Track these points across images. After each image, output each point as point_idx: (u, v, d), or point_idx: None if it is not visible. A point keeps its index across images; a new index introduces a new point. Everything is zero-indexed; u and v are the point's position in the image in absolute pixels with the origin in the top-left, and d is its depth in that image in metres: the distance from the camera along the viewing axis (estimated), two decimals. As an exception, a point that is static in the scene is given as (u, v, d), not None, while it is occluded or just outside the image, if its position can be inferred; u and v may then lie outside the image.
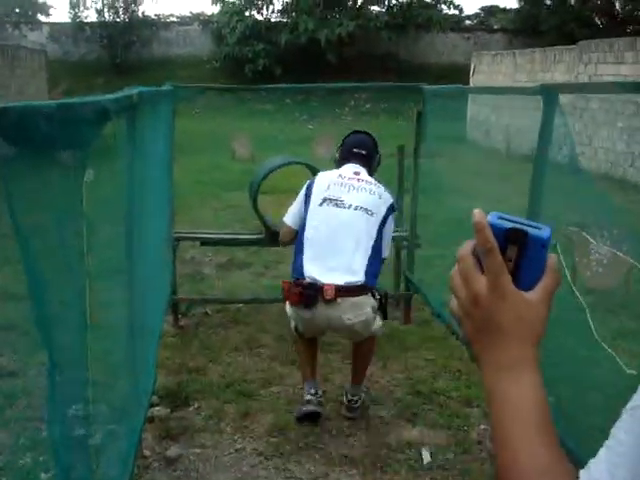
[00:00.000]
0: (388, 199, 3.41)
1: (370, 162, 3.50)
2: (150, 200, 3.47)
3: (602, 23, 25.72)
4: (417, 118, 4.64)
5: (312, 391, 3.40)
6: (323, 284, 3.10)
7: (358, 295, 3.15)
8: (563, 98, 2.75)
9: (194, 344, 4.51)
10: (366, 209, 3.22)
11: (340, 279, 3.12)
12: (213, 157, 13.27)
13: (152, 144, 3.30)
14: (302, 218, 3.34)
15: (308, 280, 3.13)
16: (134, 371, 2.89)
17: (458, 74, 19.38)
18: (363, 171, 3.43)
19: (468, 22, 32.69)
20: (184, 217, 8.09)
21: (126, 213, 2.60)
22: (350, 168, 3.44)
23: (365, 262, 3.19)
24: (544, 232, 0.75)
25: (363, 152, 3.45)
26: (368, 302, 3.22)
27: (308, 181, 3.50)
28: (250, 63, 23.44)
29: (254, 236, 4.85)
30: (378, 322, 3.43)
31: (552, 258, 0.77)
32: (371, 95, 23.51)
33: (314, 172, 4.85)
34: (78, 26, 25.90)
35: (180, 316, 4.90)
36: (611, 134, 11.69)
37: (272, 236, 4.74)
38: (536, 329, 0.76)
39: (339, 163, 3.54)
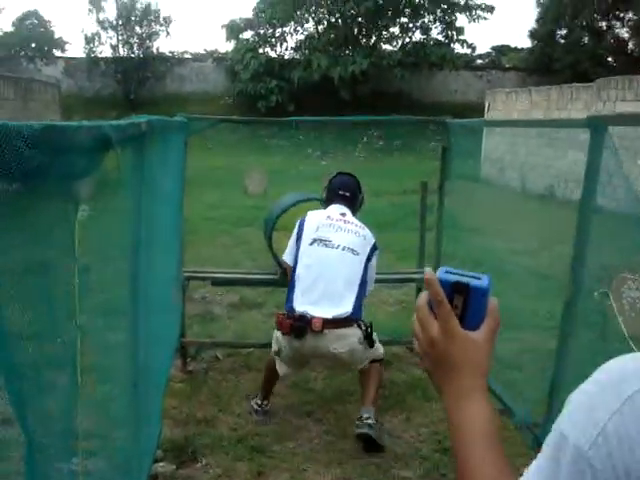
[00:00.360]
0: (371, 239, 3.75)
1: (354, 203, 3.84)
2: (158, 237, 3.23)
3: (615, 62, 25.65)
4: (442, 154, 4.40)
5: (265, 403, 3.87)
6: (312, 317, 3.41)
7: (344, 327, 3.48)
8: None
9: (203, 391, 4.23)
10: (352, 249, 3.57)
11: (328, 313, 3.43)
12: (225, 192, 13.08)
13: (161, 178, 3.07)
14: (294, 255, 3.68)
15: (299, 313, 3.45)
16: (137, 422, 2.62)
17: (471, 112, 19.24)
18: (348, 212, 3.77)
19: (479, 61, 32.76)
20: (194, 254, 7.86)
21: (131, 251, 2.37)
22: (337, 209, 3.77)
23: (352, 297, 3.52)
24: (483, 282, 0.92)
25: (347, 194, 3.79)
26: (354, 333, 3.52)
27: (299, 219, 3.79)
28: (263, 99, 23.47)
29: (267, 276, 4.58)
30: (379, 348, 3.71)
31: (493, 302, 0.94)
32: (384, 132, 23.43)
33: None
34: (93, 61, 26.12)
35: (189, 360, 4.63)
36: (630, 172, 11.43)
37: (285, 276, 4.50)
38: (483, 363, 0.93)
39: (326, 203, 3.87)
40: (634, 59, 25.15)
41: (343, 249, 3.57)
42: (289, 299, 3.62)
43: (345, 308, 3.49)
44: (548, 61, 26.12)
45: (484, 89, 27.25)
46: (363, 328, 3.55)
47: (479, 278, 0.92)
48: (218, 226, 10.20)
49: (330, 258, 3.54)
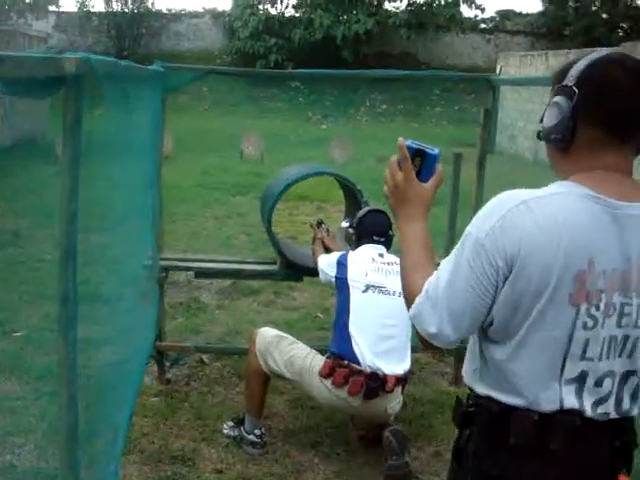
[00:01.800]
0: None
1: (389, 245, 3.34)
2: (111, 220, 2.41)
3: (631, 29, 24.55)
4: (485, 118, 3.54)
5: (257, 432, 3.14)
6: (386, 375, 2.94)
7: (405, 383, 3.12)
8: None
9: (183, 409, 3.43)
10: None
11: (399, 369, 3.01)
12: (220, 157, 12.19)
13: (120, 145, 2.23)
14: (341, 304, 3.11)
15: (369, 370, 2.92)
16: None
17: (481, 76, 18.28)
18: (384, 251, 3.30)
19: (483, 26, 31.65)
20: (183, 229, 7.04)
21: (63, 234, 1.62)
22: (374, 250, 3.26)
23: (410, 347, 3.11)
24: (435, 151, 1.48)
25: (382, 239, 3.30)
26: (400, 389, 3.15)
27: (340, 255, 3.23)
28: (262, 58, 22.36)
29: (265, 266, 3.75)
30: None
31: (439, 167, 1.49)
32: (387, 96, 22.53)
33: (344, 185, 3.81)
34: (85, 16, 25.02)
35: (168, 366, 3.82)
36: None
37: (288, 267, 3.68)
38: (428, 201, 1.49)
39: (356, 244, 3.33)
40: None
41: (400, 295, 2.94)
42: (345, 347, 2.99)
43: (408, 361, 3.08)
44: (561, 24, 25.00)
45: (491, 53, 26.24)
46: None
47: (433, 149, 1.48)
48: (211, 194, 9.32)
49: (392, 307, 3.02)
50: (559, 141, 1.35)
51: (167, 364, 3.81)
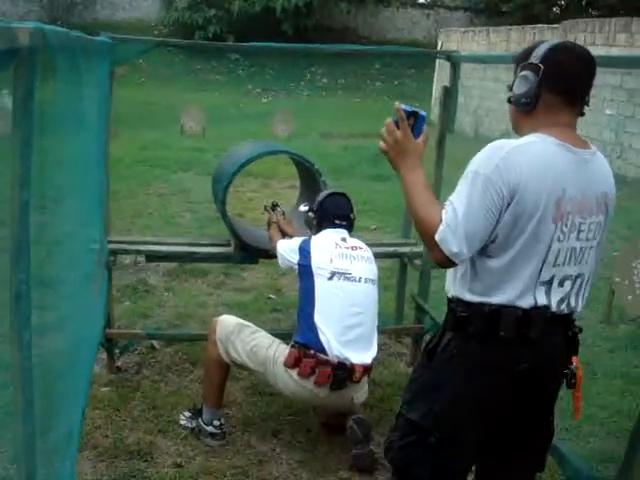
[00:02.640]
0: (373, 257, 3.21)
1: (351, 228, 3.23)
2: (63, 198, 2.23)
3: (567, 5, 24.92)
4: (444, 96, 3.45)
5: (217, 423, 3.03)
6: (353, 364, 2.83)
7: (371, 371, 3.03)
8: None
9: (136, 399, 3.27)
10: (372, 279, 3.07)
11: (367, 357, 2.92)
12: (159, 132, 11.83)
13: (70, 118, 2.05)
14: (305, 292, 2.97)
15: (337, 360, 2.80)
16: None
17: (422, 51, 18.24)
18: (347, 235, 3.16)
19: (422, 1, 31.67)
20: (126, 208, 6.78)
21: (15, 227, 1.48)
22: (336, 234, 3.12)
23: (376, 334, 3.05)
24: (424, 113, 1.79)
25: (344, 223, 3.17)
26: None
27: (302, 241, 3.08)
28: (200, 30, 21.79)
29: (220, 249, 3.60)
30: None
31: (426, 127, 1.81)
32: (327, 70, 22.35)
33: (299, 164, 3.69)
34: (14, -18, 23.84)
35: (117, 353, 3.64)
36: (598, 122, 10.74)
37: (243, 250, 3.54)
38: (421, 153, 1.81)
39: (317, 228, 3.18)
40: (586, 3, 24.44)
41: (366, 281, 3.02)
42: (311, 336, 2.86)
43: (375, 349, 2.98)
44: (498, 2, 25.18)
45: (431, 28, 26.31)
46: None
47: (424, 111, 1.80)
48: (152, 171, 9.02)
49: (357, 294, 2.95)
50: (527, 105, 1.79)
51: (117, 352, 3.64)
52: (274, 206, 3.55)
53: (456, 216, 1.67)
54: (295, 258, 3.00)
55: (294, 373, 2.81)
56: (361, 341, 2.91)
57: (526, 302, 1.74)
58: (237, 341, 2.93)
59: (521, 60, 1.82)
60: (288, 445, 2.99)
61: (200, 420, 3.01)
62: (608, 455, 2.99)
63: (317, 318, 2.86)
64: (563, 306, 1.79)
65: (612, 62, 3.97)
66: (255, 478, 2.72)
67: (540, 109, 1.77)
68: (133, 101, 13.70)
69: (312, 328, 2.85)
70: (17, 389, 1.59)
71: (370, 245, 3.26)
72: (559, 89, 1.75)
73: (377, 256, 3.24)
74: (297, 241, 3.08)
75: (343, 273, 2.95)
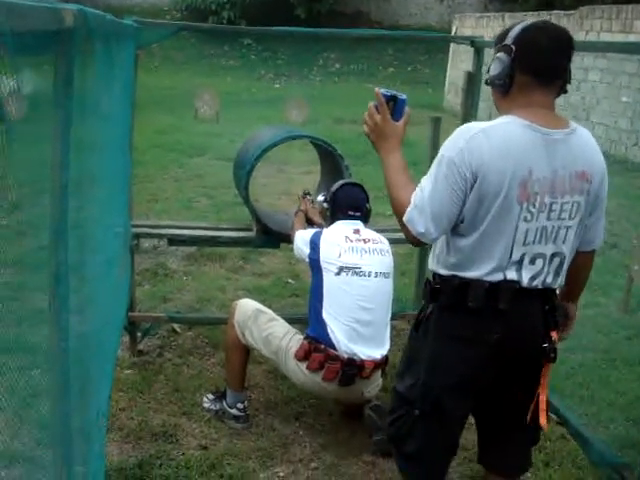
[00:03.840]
0: (389, 247, 3.09)
1: (367, 219, 3.16)
2: (97, 180, 2.24)
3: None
4: (467, 82, 3.44)
5: (240, 406, 3.04)
6: (363, 360, 2.81)
7: (385, 365, 2.97)
8: None
9: (159, 382, 3.31)
10: (384, 273, 2.97)
11: (377, 353, 2.87)
12: (173, 117, 11.83)
13: (103, 102, 2.06)
14: (314, 286, 2.93)
15: (346, 355, 2.79)
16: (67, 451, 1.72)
17: (436, 37, 18.10)
18: (361, 226, 3.07)
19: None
20: (142, 192, 6.78)
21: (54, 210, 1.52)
22: (349, 226, 3.03)
23: (389, 328, 3.01)
24: (403, 97, 1.90)
25: (358, 214, 3.08)
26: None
27: (314, 233, 3.02)
28: (214, 15, 21.74)
29: (241, 233, 3.61)
30: None
31: (408, 110, 1.92)
32: (340, 55, 22.23)
33: (321, 148, 3.68)
34: (24, -35, 23.80)
35: (140, 336, 3.67)
36: (614, 109, 10.66)
37: (264, 234, 3.55)
38: (401, 135, 1.91)
39: (330, 219, 3.12)
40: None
41: (376, 276, 2.93)
42: (320, 331, 2.84)
43: (387, 344, 2.95)
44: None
45: (444, 13, 26.11)
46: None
47: (402, 95, 1.90)
48: (168, 155, 9.03)
49: (367, 289, 2.88)
50: (501, 86, 1.81)
51: (139, 335, 3.67)
52: (305, 194, 3.52)
53: (423, 197, 1.77)
54: (306, 251, 2.97)
55: (304, 366, 2.81)
56: (372, 337, 2.87)
57: (495, 276, 1.81)
58: (253, 327, 2.94)
59: (498, 42, 1.84)
60: (311, 428, 3.02)
61: (224, 403, 3.04)
62: (629, 441, 3.00)
63: (325, 314, 2.83)
64: (536, 282, 1.83)
65: (628, 49, 3.97)
66: (280, 460, 2.76)
67: (515, 90, 1.80)
68: (148, 86, 13.70)
69: (321, 323, 2.83)
70: (53, 370, 1.61)
71: (386, 231, 3.25)
72: (530, 69, 1.77)
73: (394, 242, 3.17)
74: (310, 233, 3.04)
75: (352, 268, 2.88)
